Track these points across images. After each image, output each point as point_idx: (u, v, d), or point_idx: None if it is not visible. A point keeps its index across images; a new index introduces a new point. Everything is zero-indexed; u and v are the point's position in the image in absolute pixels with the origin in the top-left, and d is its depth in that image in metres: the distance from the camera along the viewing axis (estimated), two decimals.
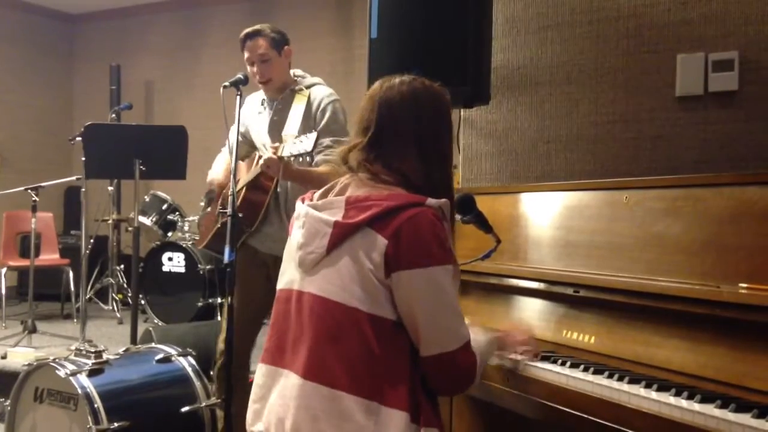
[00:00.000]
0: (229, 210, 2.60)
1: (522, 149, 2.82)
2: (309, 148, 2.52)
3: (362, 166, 1.65)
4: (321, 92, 2.96)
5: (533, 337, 1.89)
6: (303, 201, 1.71)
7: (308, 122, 2.90)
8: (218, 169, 3.19)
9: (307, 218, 1.64)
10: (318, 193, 1.72)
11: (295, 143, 2.58)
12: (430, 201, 1.57)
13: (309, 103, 2.92)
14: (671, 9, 2.56)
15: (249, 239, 3.00)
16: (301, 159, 2.65)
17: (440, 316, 1.54)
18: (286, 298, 1.67)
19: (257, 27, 3.00)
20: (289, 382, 1.59)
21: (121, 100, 7.32)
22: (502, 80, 2.84)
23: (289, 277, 1.69)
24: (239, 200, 2.82)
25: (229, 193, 2.64)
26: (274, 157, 2.65)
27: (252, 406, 1.69)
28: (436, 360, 1.55)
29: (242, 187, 2.92)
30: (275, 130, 2.98)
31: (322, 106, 2.91)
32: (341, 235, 1.57)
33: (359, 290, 1.54)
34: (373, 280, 1.53)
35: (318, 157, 2.80)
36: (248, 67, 2.99)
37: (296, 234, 1.67)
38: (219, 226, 2.97)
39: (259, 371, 1.70)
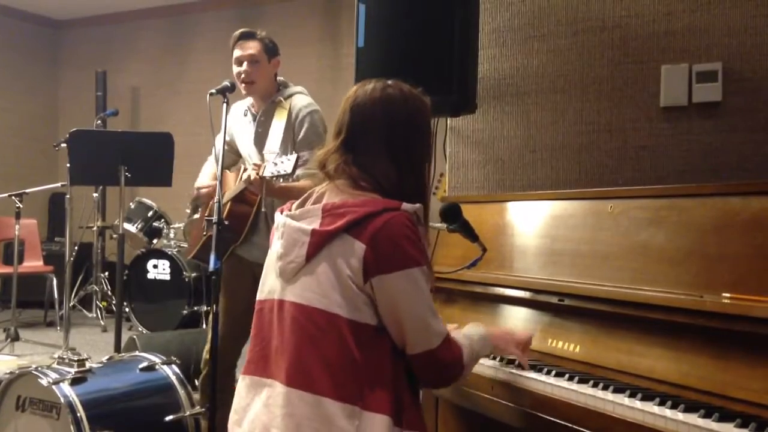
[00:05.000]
0: (214, 218, 2.60)
1: (508, 158, 2.83)
2: (289, 170, 2.53)
3: (340, 169, 1.66)
4: (299, 102, 2.96)
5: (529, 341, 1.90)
6: (282, 212, 1.72)
7: (289, 134, 2.90)
8: (205, 177, 3.17)
9: (286, 228, 1.65)
10: (296, 203, 1.73)
11: (276, 164, 2.59)
12: (405, 206, 1.59)
13: (289, 114, 2.92)
14: (656, 20, 2.58)
15: (236, 249, 2.99)
16: (282, 180, 2.66)
17: (422, 316, 1.58)
18: (268, 308, 1.67)
19: (253, 30, 2.99)
20: (275, 391, 1.59)
21: (107, 106, 7.28)
22: (489, 90, 2.85)
23: (269, 287, 1.69)
24: (226, 213, 2.81)
25: (215, 201, 2.63)
26: (257, 177, 2.66)
27: (232, 417, 1.69)
28: (421, 357, 1.60)
29: (228, 201, 2.91)
30: (259, 143, 2.99)
31: (300, 117, 2.91)
32: (319, 243, 1.58)
33: (339, 297, 1.55)
34: (351, 286, 1.55)
35: (298, 171, 2.80)
36: (234, 68, 2.97)
37: (276, 245, 1.68)
38: (206, 237, 2.95)
39: (242, 382, 1.70)
